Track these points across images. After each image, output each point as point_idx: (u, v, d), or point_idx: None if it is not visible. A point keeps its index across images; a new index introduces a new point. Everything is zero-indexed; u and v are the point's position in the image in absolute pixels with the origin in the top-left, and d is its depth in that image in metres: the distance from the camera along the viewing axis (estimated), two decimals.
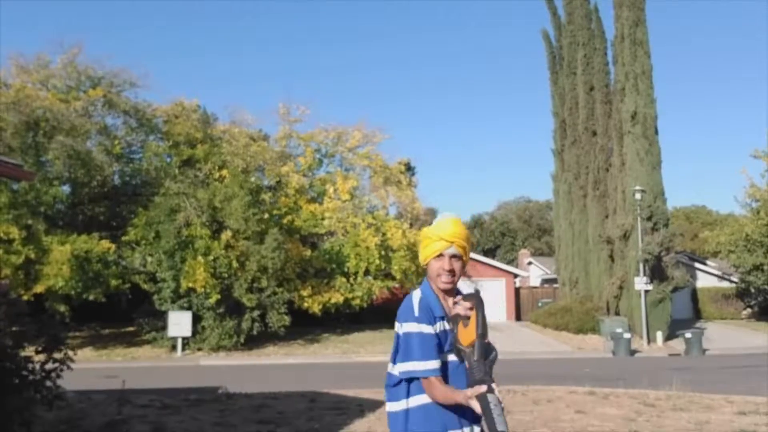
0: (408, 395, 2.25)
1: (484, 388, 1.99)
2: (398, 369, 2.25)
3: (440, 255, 2.31)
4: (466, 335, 2.14)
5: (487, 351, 2.11)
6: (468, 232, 2.39)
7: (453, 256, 2.31)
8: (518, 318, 33.20)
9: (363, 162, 29.26)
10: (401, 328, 2.28)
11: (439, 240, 2.31)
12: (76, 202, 24.87)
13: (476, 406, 1.99)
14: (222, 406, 9.58)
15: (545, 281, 40.12)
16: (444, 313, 2.30)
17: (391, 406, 2.30)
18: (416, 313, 2.25)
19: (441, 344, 2.24)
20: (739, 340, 24.73)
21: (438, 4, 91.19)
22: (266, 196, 24.52)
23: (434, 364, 2.19)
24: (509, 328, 28.84)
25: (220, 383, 12.09)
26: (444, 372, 2.23)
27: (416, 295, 2.32)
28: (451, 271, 2.30)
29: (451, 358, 2.25)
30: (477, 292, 2.25)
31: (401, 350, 2.25)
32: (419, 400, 2.23)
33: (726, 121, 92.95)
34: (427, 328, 2.23)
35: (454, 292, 2.36)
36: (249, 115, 29.26)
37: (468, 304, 2.21)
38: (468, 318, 2.18)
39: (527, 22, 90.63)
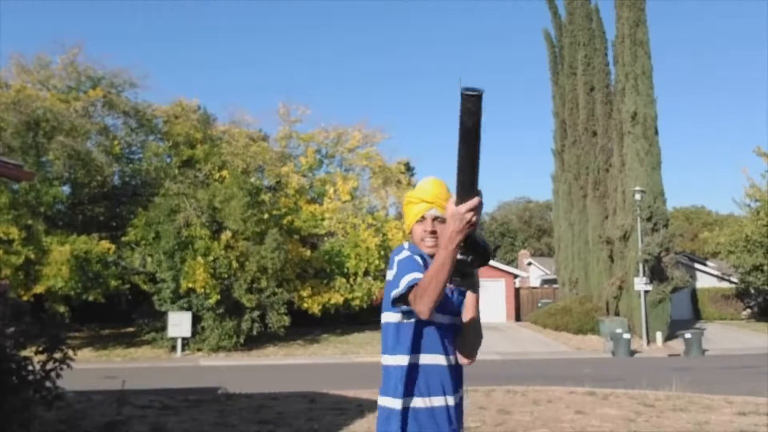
0: (393, 349, 2.16)
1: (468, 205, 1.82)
2: (402, 285, 2.08)
3: (422, 218, 2.24)
4: None
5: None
6: (450, 192, 2.23)
7: (435, 218, 2.22)
8: (518, 318, 33.22)
9: (363, 162, 29.31)
10: (394, 262, 2.18)
11: (420, 202, 2.24)
12: (76, 203, 24.89)
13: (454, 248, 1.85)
14: (222, 406, 9.58)
15: (545, 282, 40.14)
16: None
17: (384, 359, 2.21)
18: (406, 247, 2.22)
19: None
20: (738, 341, 24.73)
21: (438, 3, 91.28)
22: (266, 197, 24.53)
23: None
24: (509, 329, 28.85)
25: (219, 384, 12.07)
26: (434, 333, 2.15)
27: (406, 244, 2.27)
28: (434, 233, 2.21)
29: (441, 319, 2.16)
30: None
31: (402, 271, 2.12)
32: (404, 359, 2.14)
33: (726, 122, 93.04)
34: (418, 258, 2.17)
35: None
36: (249, 116, 29.39)
37: None
38: None
39: (529, 21, 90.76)
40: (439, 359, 2.17)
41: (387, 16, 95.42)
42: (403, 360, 2.14)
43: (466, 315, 2.26)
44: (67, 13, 67.94)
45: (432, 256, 2.20)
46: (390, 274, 2.20)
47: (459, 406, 2.25)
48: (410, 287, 2.05)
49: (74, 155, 21.71)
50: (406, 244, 2.26)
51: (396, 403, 2.12)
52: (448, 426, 2.16)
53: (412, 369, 2.13)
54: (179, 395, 10.73)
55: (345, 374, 15.70)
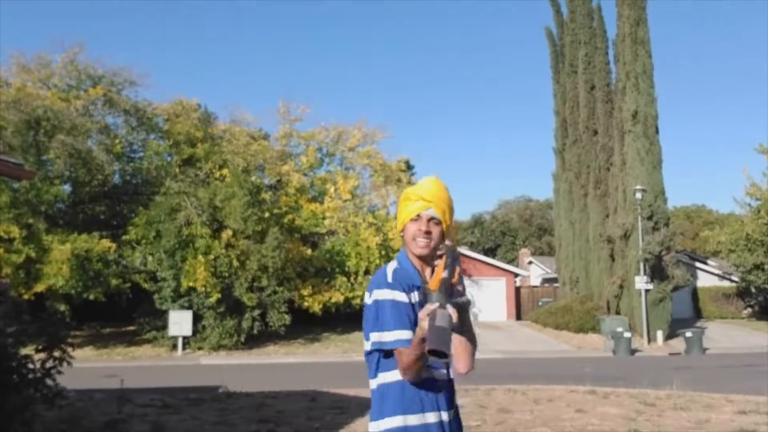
0: (378, 370, 2.11)
1: (435, 305, 1.83)
2: (371, 340, 2.08)
3: (418, 216, 2.13)
4: (435, 279, 1.95)
5: (454, 294, 1.93)
6: (450, 198, 2.19)
7: (431, 218, 2.12)
8: (518, 317, 33.19)
9: (363, 161, 29.30)
10: (372, 296, 2.11)
11: (418, 199, 2.14)
12: (77, 201, 24.90)
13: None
14: (222, 405, 9.59)
15: (546, 280, 40.11)
16: (422, 283, 2.09)
17: (370, 383, 2.16)
18: (389, 280, 2.09)
19: (416, 316, 2.03)
20: (739, 340, 24.73)
21: (438, 2, 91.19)
22: (267, 195, 24.53)
23: (406, 333, 1.99)
24: (509, 327, 28.84)
25: (220, 382, 12.10)
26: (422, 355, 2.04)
27: (391, 264, 2.16)
28: (428, 233, 2.11)
29: None
30: (453, 249, 2.05)
31: (372, 319, 2.08)
32: (392, 376, 2.07)
33: (727, 121, 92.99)
34: (400, 296, 2.06)
35: (432, 261, 2.14)
36: (249, 114, 29.41)
37: (441, 261, 2.02)
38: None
39: (531, 19, 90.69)
40: (432, 373, 2.08)
41: (387, 16, 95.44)
42: (393, 377, 2.08)
43: (458, 364, 2.14)
44: (68, 13, 67.99)
45: (421, 257, 2.15)
46: (368, 295, 2.13)
47: (455, 421, 2.17)
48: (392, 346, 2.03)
49: (75, 154, 21.72)
50: (392, 266, 2.16)
51: (391, 423, 2.05)
52: None
53: (404, 387, 2.06)
54: (180, 394, 10.74)
55: (346, 373, 15.68)
